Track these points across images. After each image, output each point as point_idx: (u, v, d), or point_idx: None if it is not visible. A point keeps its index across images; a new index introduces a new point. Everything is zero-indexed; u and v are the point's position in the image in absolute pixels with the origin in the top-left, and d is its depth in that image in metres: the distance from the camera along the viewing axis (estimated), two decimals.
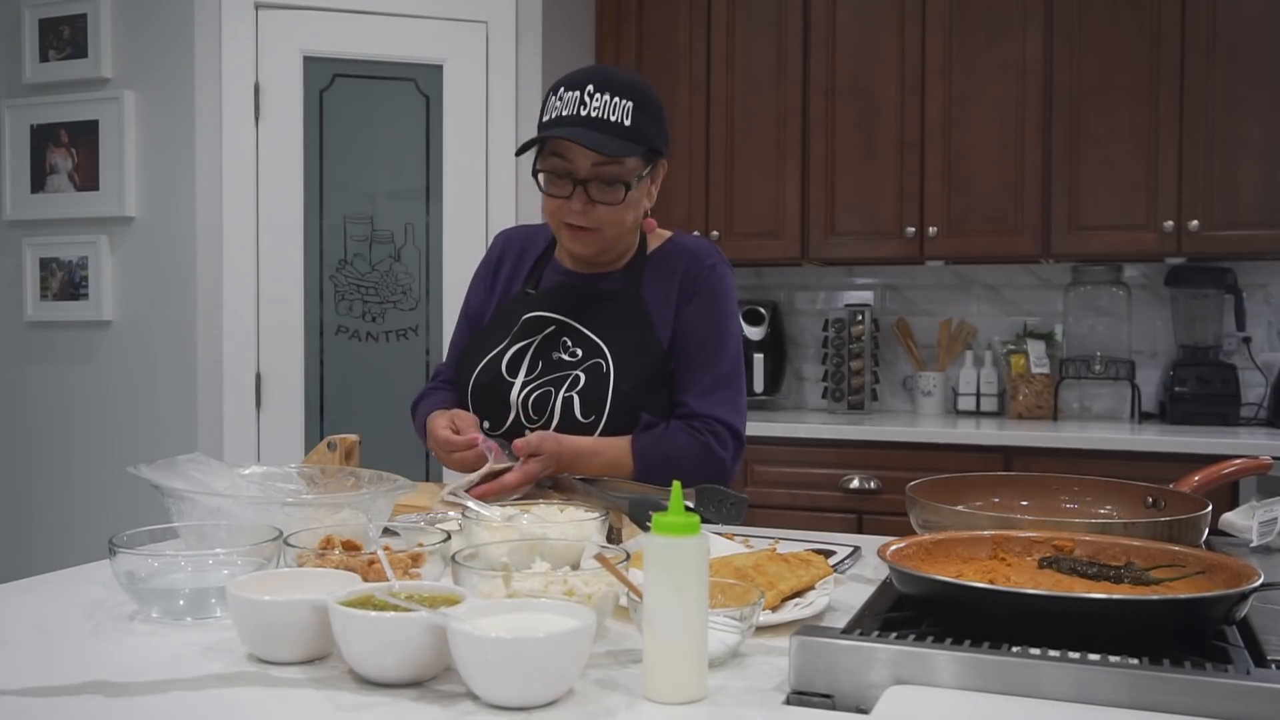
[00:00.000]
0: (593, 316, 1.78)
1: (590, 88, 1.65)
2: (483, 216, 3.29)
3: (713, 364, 1.77)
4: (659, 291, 1.79)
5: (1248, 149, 3.16)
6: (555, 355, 1.76)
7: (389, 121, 3.31)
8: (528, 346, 1.78)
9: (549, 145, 1.68)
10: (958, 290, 3.77)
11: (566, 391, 1.72)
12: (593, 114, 1.64)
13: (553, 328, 1.78)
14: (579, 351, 1.75)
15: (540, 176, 1.71)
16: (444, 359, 2.02)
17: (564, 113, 1.66)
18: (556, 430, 1.69)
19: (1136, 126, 3.25)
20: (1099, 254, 3.38)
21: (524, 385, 1.75)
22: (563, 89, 1.68)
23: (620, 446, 1.71)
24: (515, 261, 1.92)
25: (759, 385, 3.70)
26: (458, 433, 1.65)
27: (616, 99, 1.65)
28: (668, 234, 1.88)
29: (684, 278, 1.79)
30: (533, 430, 1.71)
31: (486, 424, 1.75)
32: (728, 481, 1.75)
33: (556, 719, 0.88)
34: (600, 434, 1.71)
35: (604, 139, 1.64)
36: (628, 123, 1.65)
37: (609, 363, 1.73)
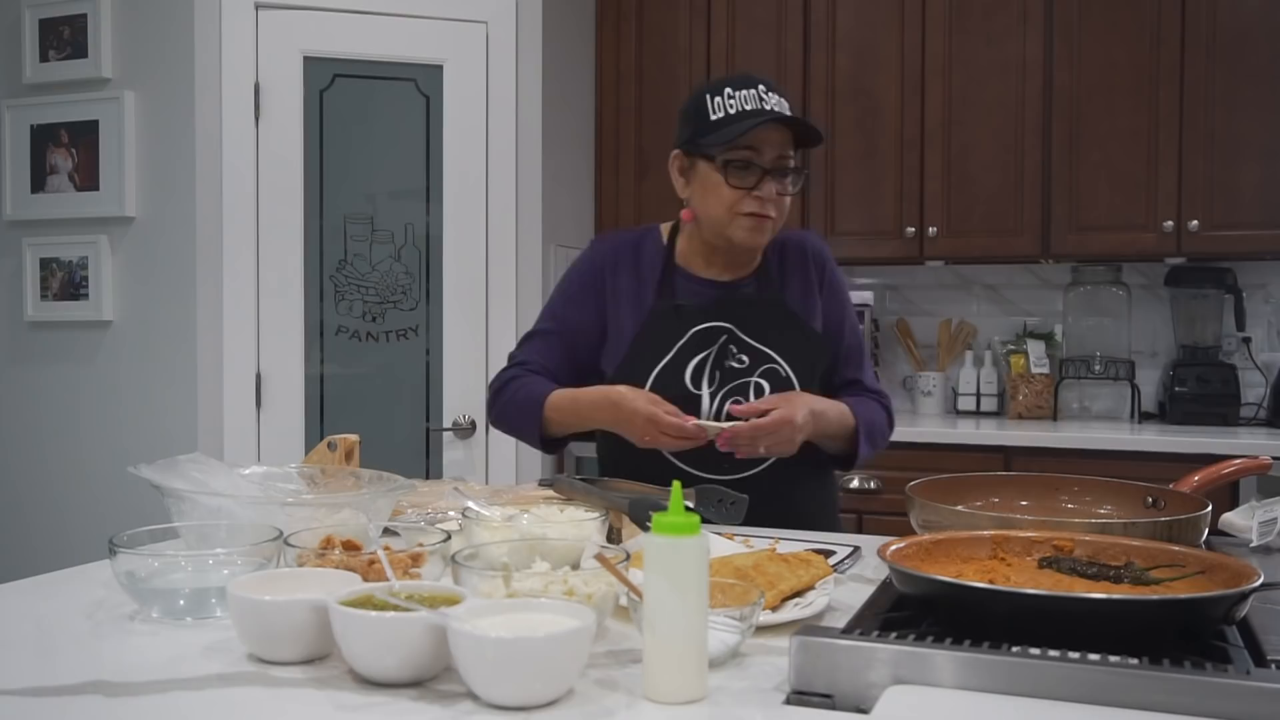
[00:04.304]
0: (750, 323, 1.83)
1: (761, 88, 1.74)
2: (483, 216, 3.28)
3: (861, 346, 1.95)
4: (795, 287, 1.88)
5: (1248, 149, 3.16)
6: (727, 364, 1.81)
7: (389, 121, 3.30)
8: (706, 358, 1.81)
9: (733, 140, 1.71)
10: (958, 290, 3.77)
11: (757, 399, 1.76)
12: (777, 109, 1.73)
13: (725, 337, 1.82)
14: (745, 359, 1.81)
15: (728, 167, 1.74)
16: (517, 349, 1.91)
17: (747, 106, 1.72)
18: None
19: (1136, 126, 3.25)
20: (1099, 254, 3.38)
21: (712, 397, 1.79)
22: (728, 89, 1.74)
23: (842, 408, 1.81)
24: (632, 271, 1.87)
25: None
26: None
27: (782, 99, 1.76)
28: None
29: (815, 269, 1.90)
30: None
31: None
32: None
33: (556, 719, 0.88)
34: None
35: (807, 128, 1.76)
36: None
37: (785, 368, 1.80)
